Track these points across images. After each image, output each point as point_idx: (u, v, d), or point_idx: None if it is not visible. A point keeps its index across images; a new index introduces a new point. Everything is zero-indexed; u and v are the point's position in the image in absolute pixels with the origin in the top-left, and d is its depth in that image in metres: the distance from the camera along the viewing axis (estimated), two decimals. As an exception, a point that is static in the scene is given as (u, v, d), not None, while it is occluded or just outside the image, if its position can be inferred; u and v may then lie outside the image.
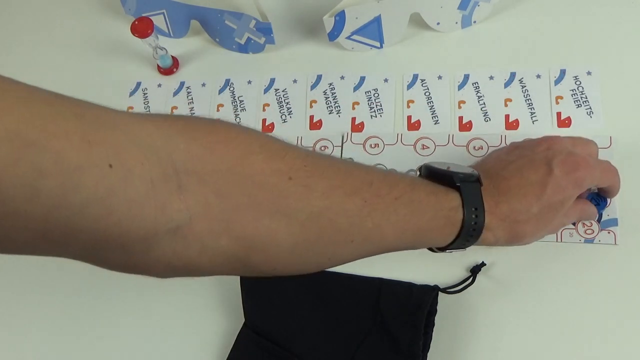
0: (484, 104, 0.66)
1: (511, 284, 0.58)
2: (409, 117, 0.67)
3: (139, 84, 0.74)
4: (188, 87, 0.73)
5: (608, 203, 0.57)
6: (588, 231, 0.59)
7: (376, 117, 0.68)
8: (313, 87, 0.70)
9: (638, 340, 0.55)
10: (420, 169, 0.50)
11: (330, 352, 0.56)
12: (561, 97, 0.65)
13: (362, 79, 0.70)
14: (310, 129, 0.68)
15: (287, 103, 0.70)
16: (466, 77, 0.67)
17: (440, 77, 0.68)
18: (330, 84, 0.70)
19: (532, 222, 0.48)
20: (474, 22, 0.70)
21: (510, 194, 0.48)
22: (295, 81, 0.71)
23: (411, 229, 0.44)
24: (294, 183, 0.39)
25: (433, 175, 0.48)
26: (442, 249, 0.48)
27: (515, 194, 0.48)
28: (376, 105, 0.68)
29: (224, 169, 0.37)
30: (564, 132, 0.63)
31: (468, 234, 0.46)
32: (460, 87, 0.67)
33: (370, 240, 0.44)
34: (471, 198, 0.46)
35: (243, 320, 0.59)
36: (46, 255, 0.34)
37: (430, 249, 0.49)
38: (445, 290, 0.57)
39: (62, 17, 0.81)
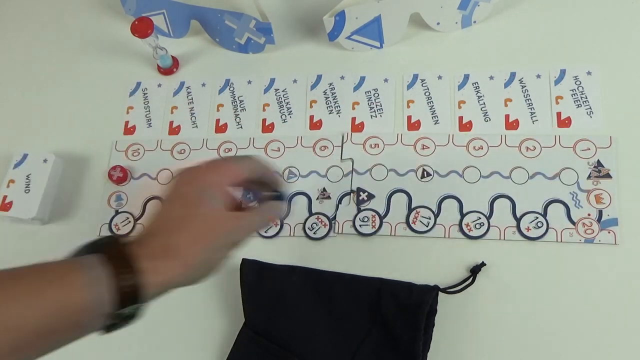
0: (484, 104, 0.66)
1: (511, 284, 0.58)
2: (409, 117, 0.67)
3: (139, 84, 0.74)
4: (188, 87, 0.73)
5: (281, 193, 0.55)
6: (588, 231, 0.59)
7: (376, 117, 0.68)
8: (313, 87, 0.70)
9: (638, 340, 0.55)
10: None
11: (331, 352, 0.56)
12: (561, 97, 0.65)
13: (362, 79, 0.70)
14: (310, 129, 0.68)
15: (287, 103, 0.70)
16: (466, 77, 0.67)
17: (440, 77, 0.68)
18: (330, 84, 0.70)
19: (192, 244, 0.46)
20: (474, 22, 0.70)
21: (155, 229, 0.47)
22: (295, 81, 0.71)
23: (46, 305, 0.41)
24: None
25: (82, 251, 0.47)
26: (121, 317, 0.45)
27: (159, 225, 0.47)
28: (376, 105, 0.68)
29: None
30: (564, 132, 0.63)
31: (124, 283, 0.43)
32: (460, 87, 0.67)
33: (10, 328, 0.40)
34: (109, 251, 0.44)
35: (243, 320, 0.59)
36: None
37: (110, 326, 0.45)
38: (445, 290, 0.57)
39: (62, 17, 0.81)
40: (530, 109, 0.65)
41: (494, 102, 0.66)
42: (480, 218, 0.61)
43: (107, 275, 0.42)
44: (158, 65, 0.74)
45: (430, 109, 0.67)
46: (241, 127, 0.70)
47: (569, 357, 0.55)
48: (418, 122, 0.66)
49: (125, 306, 0.43)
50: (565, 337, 0.56)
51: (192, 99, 0.72)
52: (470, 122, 0.65)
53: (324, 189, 0.65)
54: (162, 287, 0.45)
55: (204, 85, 0.73)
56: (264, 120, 0.70)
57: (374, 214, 0.63)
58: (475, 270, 0.58)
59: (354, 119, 0.68)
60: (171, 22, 0.74)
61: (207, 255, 0.47)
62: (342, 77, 0.70)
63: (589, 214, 0.59)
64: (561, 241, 0.59)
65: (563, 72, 0.66)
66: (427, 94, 0.68)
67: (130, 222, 0.66)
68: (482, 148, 0.64)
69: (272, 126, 0.69)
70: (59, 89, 0.76)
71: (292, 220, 0.64)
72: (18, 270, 0.42)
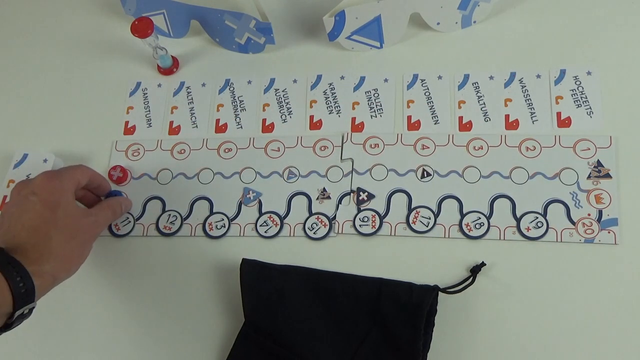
0: (484, 104, 0.66)
1: (511, 284, 0.58)
2: (409, 117, 0.67)
3: (139, 84, 0.74)
4: (188, 87, 0.73)
5: (118, 191, 0.67)
6: (588, 231, 0.59)
7: (376, 117, 0.68)
8: (313, 87, 0.70)
9: (638, 340, 0.55)
10: None
11: (331, 351, 0.56)
12: (561, 97, 0.65)
13: (362, 79, 0.70)
14: (310, 129, 0.68)
15: (287, 103, 0.70)
16: (466, 77, 0.67)
17: (440, 77, 0.68)
18: (330, 84, 0.70)
19: (64, 243, 0.54)
20: (474, 22, 0.70)
21: (26, 237, 0.53)
22: (295, 81, 0.71)
23: None
24: None
25: None
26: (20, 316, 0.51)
27: (29, 233, 0.53)
28: (376, 105, 0.68)
29: None
30: (564, 132, 0.63)
31: (18, 286, 0.49)
32: (460, 87, 0.67)
33: None
34: None
35: (243, 320, 0.59)
36: None
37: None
38: (445, 290, 0.57)
39: (61, 17, 0.81)
40: (530, 109, 0.65)
41: (494, 102, 0.66)
42: (480, 218, 0.61)
43: (3, 280, 0.49)
44: (158, 65, 0.74)
45: (430, 109, 0.67)
46: (241, 127, 0.70)
47: (569, 357, 0.55)
48: (418, 122, 0.66)
49: (20, 307, 0.50)
50: (565, 337, 0.56)
51: (192, 99, 0.72)
52: (470, 122, 0.65)
53: (324, 189, 0.65)
54: (49, 285, 0.53)
55: (204, 85, 0.73)
56: (264, 120, 0.70)
57: (374, 214, 0.63)
58: (475, 270, 0.58)
59: (354, 119, 0.68)
60: (171, 22, 0.74)
61: (78, 250, 0.56)
62: (342, 77, 0.70)
63: (589, 214, 0.59)
64: (561, 241, 0.59)
65: (563, 72, 0.66)
66: (427, 94, 0.68)
67: (130, 222, 0.66)
68: (482, 148, 0.64)
69: (272, 126, 0.69)
70: (59, 89, 0.76)
71: (292, 220, 0.64)
72: None
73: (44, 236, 0.53)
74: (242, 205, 0.65)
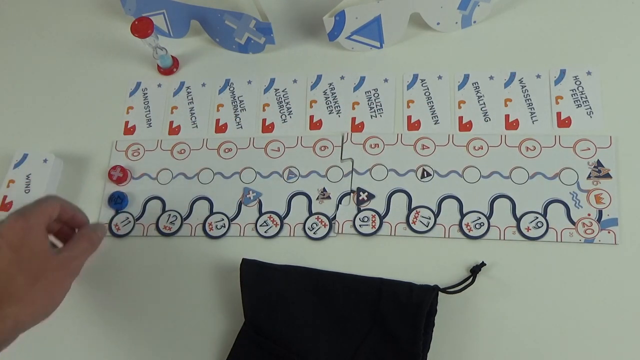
0: (484, 104, 0.66)
1: (511, 284, 0.58)
2: (409, 117, 0.67)
3: (139, 84, 0.74)
4: (188, 87, 0.73)
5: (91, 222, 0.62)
6: (588, 231, 0.59)
7: (376, 117, 0.68)
8: (313, 87, 0.70)
9: (638, 340, 0.55)
10: None
11: (331, 351, 0.56)
12: (561, 97, 0.65)
13: (362, 79, 0.70)
14: (310, 129, 0.68)
15: (287, 103, 0.70)
16: (466, 77, 0.67)
17: (440, 77, 0.68)
18: (330, 84, 0.70)
19: (30, 285, 0.51)
20: (474, 22, 0.70)
21: None
22: (295, 81, 0.71)
23: None
24: None
25: None
26: None
27: None
28: (376, 105, 0.68)
29: None
30: (564, 132, 0.63)
31: None
32: (460, 87, 0.67)
33: None
34: None
35: (243, 320, 0.59)
36: None
37: None
38: (445, 290, 0.57)
39: (61, 17, 0.81)
40: (530, 109, 0.65)
41: (494, 102, 0.66)
42: (480, 218, 0.61)
43: None
44: (158, 65, 0.74)
45: (430, 109, 0.67)
46: (241, 127, 0.70)
47: (569, 357, 0.55)
48: (418, 122, 0.66)
49: None
50: (565, 337, 0.56)
51: (192, 99, 0.72)
52: (470, 122, 0.65)
53: (324, 189, 0.65)
54: (9, 330, 0.50)
55: (204, 85, 0.73)
56: (264, 120, 0.70)
57: (374, 214, 0.63)
58: (475, 270, 0.58)
59: (354, 119, 0.68)
60: (171, 22, 0.74)
61: (46, 293, 0.52)
62: (342, 77, 0.70)
63: (589, 214, 0.59)
64: (561, 241, 0.59)
65: (563, 72, 0.66)
66: (427, 94, 0.68)
67: (130, 222, 0.66)
68: (482, 148, 0.64)
69: (272, 126, 0.69)
70: (59, 89, 0.76)
71: (292, 220, 0.64)
72: None
73: (5, 278, 0.51)
74: (242, 205, 0.65)
